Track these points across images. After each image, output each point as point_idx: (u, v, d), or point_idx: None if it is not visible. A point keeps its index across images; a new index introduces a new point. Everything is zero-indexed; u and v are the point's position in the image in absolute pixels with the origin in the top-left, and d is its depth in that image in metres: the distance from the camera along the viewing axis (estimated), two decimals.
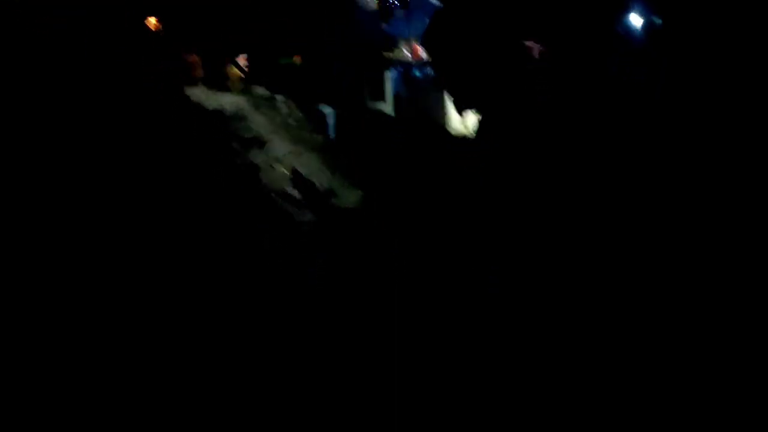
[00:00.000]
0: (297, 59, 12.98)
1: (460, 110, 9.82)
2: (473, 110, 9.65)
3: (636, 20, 22.86)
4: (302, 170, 7.32)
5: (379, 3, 17.24)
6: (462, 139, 9.56)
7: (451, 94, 10.69)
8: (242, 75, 11.08)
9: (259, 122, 7.88)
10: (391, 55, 16.45)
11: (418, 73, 13.38)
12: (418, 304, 5.63)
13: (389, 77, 15.65)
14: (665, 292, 5.79)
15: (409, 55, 15.22)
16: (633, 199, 7.46)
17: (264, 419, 4.21)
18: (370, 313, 5.46)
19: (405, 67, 15.04)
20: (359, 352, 5.05)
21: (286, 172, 7.16)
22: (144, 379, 3.90)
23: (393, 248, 6.33)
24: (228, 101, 8.13)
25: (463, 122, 10.31)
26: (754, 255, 6.16)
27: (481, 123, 8.65)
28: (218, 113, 6.60)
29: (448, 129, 10.62)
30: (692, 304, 5.70)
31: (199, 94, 7.91)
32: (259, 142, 7.15)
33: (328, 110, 9.96)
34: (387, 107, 15.75)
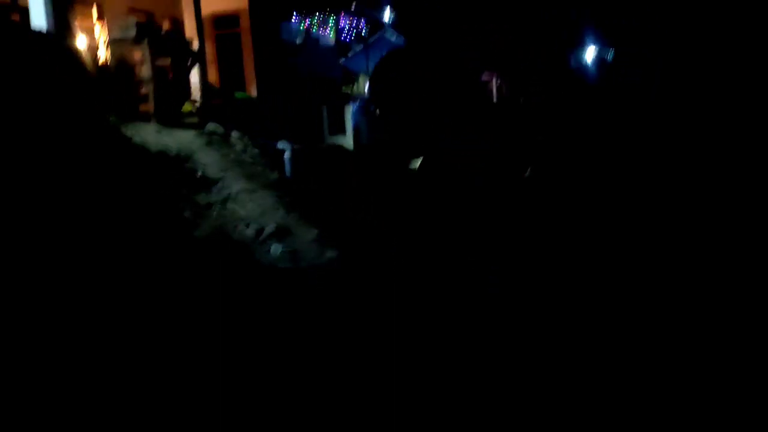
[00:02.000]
0: (252, 92, 12.90)
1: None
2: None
3: (589, 54, 23.30)
4: (256, 209, 7.07)
5: (337, 38, 17.38)
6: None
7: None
8: (196, 110, 10.89)
9: (211, 160, 7.63)
10: (350, 89, 16.52)
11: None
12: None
13: (349, 111, 15.69)
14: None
15: (367, 89, 15.32)
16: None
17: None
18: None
19: (364, 100, 15.08)
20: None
21: (239, 210, 6.91)
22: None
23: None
24: (179, 138, 7.86)
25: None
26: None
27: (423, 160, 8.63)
28: (162, 154, 6.29)
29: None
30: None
31: (146, 131, 7.62)
32: (210, 181, 6.86)
33: (284, 146, 9.77)
34: (347, 140, 15.72)
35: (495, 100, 26.10)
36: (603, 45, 21.67)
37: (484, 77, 25.43)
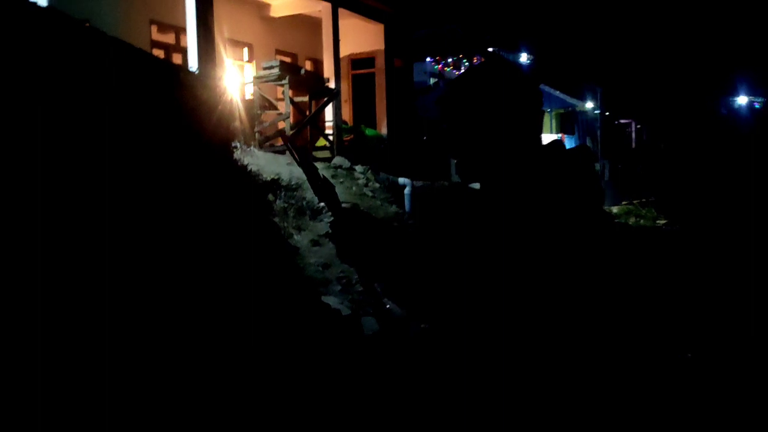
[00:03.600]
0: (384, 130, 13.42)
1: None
2: None
3: (741, 102, 21.86)
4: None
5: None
6: None
7: None
8: (329, 144, 11.52)
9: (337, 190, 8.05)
10: None
11: None
12: None
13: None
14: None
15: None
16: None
17: None
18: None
19: None
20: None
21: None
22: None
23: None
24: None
25: None
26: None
27: None
28: (276, 182, 6.74)
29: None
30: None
31: (278, 161, 8.18)
32: (330, 212, 7.23)
33: (405, 182, 10.04)
34: (475, 184, 15.79)
35: (633, 145, 25.11)
36: (755, 93, 20.25)
37: (622, 121, 24.61)
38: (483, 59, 16.74)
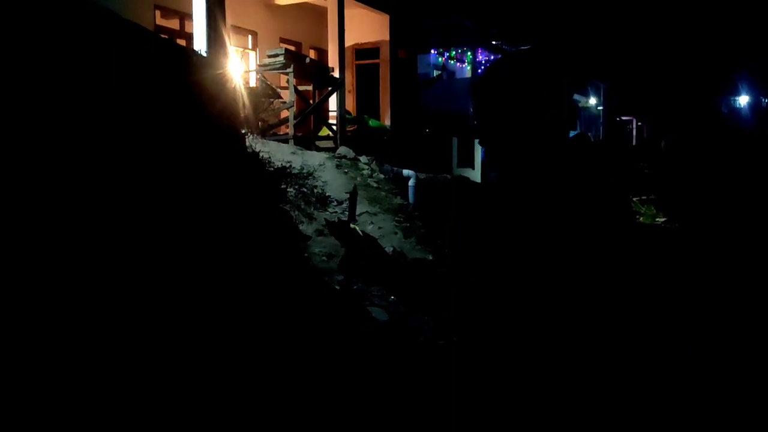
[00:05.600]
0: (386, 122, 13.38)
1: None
2: None
3: (743, 101, 21.97)
4: (375, 231, 7.31)
5: (473, 73, 17.60)
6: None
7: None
8: (332, 134, 11.47)
9: (338, 182, 8.00)
10: None
11: None
12: None
13: (479, 145, 15.77)
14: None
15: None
16: None
17: None
18: None
19: None
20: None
21: (359, 232, 7.17)
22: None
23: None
24: (310, 159, 8.32)
25: None
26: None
27: None
28: (286, 170, 6.66)
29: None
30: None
31: (281, 150, 8.14)
32: (334, 200, 7.21)
33: (410, 173, 10.02)
34: (475, 173, 15.77)
35: (634, 142, 25.11)
36: (758, 92, 20.28)
37: (623, 118, 24.61)
38: (489, 53, 16.69)
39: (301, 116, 10.80)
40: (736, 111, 21.28)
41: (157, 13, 10.51)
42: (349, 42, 12.34)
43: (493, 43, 17.44)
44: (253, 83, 11.13)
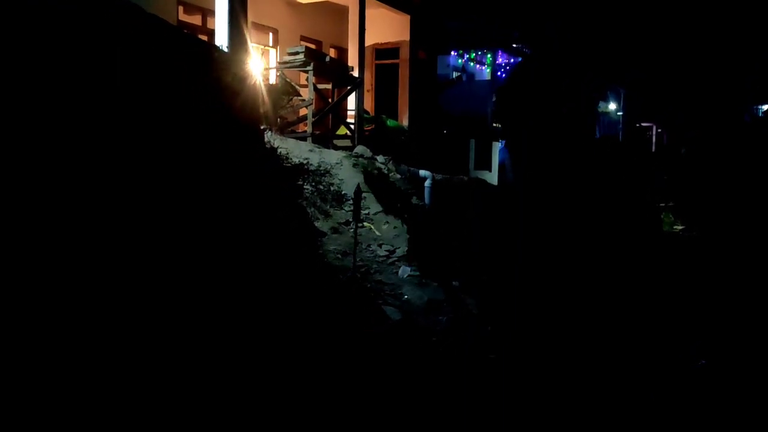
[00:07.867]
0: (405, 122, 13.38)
1: None
2: None
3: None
4: (390, 231, 7.32)
5: (492, 75, 17.53)
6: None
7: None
8: (350, 133, 11.49)
9: (355, 181, 8.01)
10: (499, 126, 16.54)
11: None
12: None
13: (497, 147, 15.71)
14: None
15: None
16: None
17: None
18: None
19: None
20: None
21: (375, 231, 7.19)
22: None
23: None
24: (327, 157, 8.34)
25: None
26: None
27: None
28: (302, 167, 6.66)
29: None
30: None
31: (299, 147, 8.16)
32: (350, 199, 7.21)
33: (426, 174, 10.01)
34: (491, 176, 15.71)
35: (653, 149, 24.87)
36: None
37: (643, 124, 24.38)
38: (509, 56, 16.61)
39: (320, 114, 10.82)
40: (759, 120, 21.00)
41: (180, 8, 10.59)
42: (369, 42, 12.35)
43: (514, 45, 17.36)
44: (273, 80, 11.18)
